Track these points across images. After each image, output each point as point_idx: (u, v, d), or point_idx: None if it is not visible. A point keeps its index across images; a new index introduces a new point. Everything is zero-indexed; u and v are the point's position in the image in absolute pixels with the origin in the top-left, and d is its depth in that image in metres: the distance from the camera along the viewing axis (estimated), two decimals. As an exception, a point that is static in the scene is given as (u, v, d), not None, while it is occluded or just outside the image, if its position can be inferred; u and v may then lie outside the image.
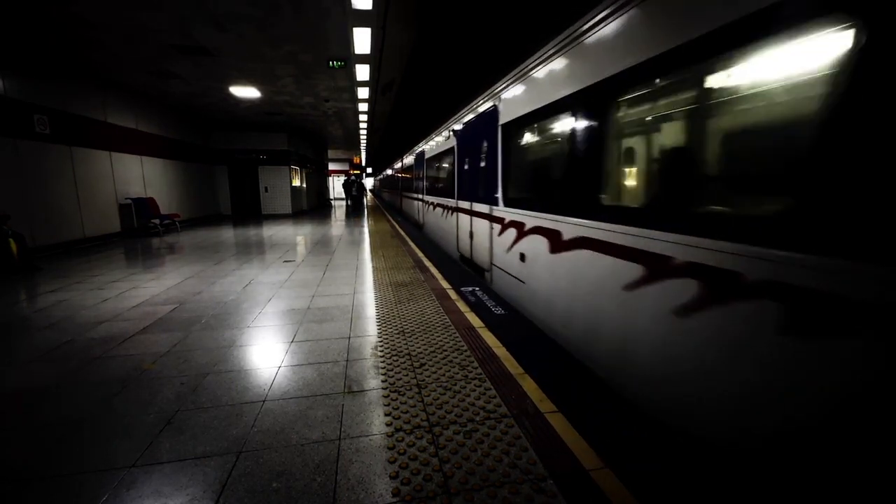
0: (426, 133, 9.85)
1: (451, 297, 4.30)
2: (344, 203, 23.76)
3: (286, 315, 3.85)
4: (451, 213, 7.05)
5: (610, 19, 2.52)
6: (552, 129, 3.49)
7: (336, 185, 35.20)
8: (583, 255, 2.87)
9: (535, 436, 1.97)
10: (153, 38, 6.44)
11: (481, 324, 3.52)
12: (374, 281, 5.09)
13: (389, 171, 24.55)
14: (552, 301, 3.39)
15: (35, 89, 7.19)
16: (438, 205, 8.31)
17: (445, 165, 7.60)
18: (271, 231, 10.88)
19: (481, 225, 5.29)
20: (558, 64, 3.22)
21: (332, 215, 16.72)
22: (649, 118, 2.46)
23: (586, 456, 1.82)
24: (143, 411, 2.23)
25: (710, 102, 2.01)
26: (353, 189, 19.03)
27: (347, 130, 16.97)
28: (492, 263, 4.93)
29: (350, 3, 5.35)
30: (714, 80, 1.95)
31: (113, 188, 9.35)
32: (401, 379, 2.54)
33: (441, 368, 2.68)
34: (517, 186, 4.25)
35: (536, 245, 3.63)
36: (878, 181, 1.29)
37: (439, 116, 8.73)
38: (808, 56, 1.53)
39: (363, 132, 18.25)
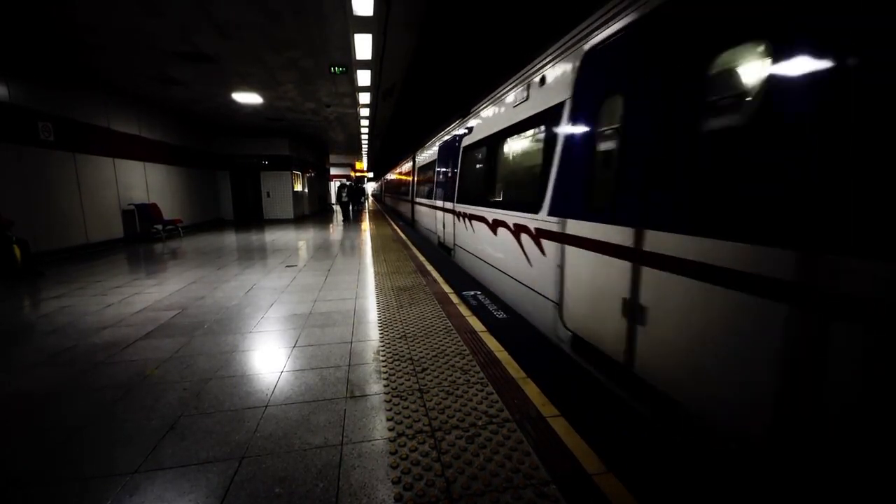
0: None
1: (452, 302, 4.30)
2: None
3: (288, 320, 3.86)
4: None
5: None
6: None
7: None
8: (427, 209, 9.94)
9: (537, 440, 1.96)
10: (156, 45, 6.50)
11: (483, 328, 3.52)
12: (376, 285, 5.10)
13: (392, 176, 24.99)
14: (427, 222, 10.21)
15: (39, 96, 7.26)
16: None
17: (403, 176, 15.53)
18: (273, 236, 10.91)
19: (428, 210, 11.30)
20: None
21: (335, 220, 16.76)
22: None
23: (588, 459, 1.82)
24: (145, 417, 2.23)
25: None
26: (344, 194, 16.51)
27: (349, 135, 17.03)
28: (415, 219, 11.47)
29: (351, 10, 5.39)
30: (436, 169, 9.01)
31: (116, 194, 9.41)
32: (403, 383, 2.54)
33: (443, 373, 2.68)
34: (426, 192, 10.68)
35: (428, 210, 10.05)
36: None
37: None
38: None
39: (364, 137, 18.32)
